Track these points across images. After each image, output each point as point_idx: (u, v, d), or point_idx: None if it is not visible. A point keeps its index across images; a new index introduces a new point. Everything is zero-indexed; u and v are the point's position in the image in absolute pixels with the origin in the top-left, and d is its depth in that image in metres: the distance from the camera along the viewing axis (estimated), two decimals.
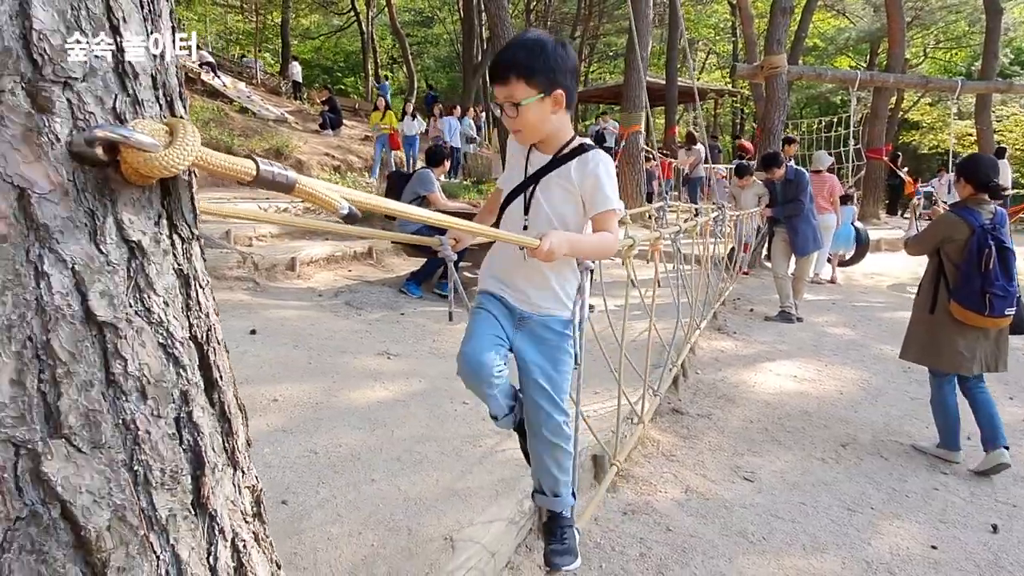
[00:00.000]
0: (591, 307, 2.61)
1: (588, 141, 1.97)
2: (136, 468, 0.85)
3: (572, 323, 2.01)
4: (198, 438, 0.94)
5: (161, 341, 0.89)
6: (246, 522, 1.02)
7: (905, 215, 17.92)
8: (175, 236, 0.94)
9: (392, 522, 2.54)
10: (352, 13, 30.15)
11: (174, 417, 0.90)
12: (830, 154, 10.53)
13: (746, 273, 9.25)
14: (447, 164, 7.48)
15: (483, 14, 19.23)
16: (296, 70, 22.98)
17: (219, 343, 1.00)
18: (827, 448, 3.97)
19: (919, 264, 10.43)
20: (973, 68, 26.85)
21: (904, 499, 3.42)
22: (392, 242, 7.49)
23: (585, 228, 1.96)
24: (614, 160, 15.78)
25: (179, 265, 0.94)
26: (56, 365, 0.79)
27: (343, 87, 31.92)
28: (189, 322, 0.94)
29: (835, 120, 15.30)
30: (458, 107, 18.28)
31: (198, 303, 0.97)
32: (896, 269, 10.74)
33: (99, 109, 0.82)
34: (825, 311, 7.72)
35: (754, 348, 6.06)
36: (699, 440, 3.97)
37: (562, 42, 1.85)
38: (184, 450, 0.92)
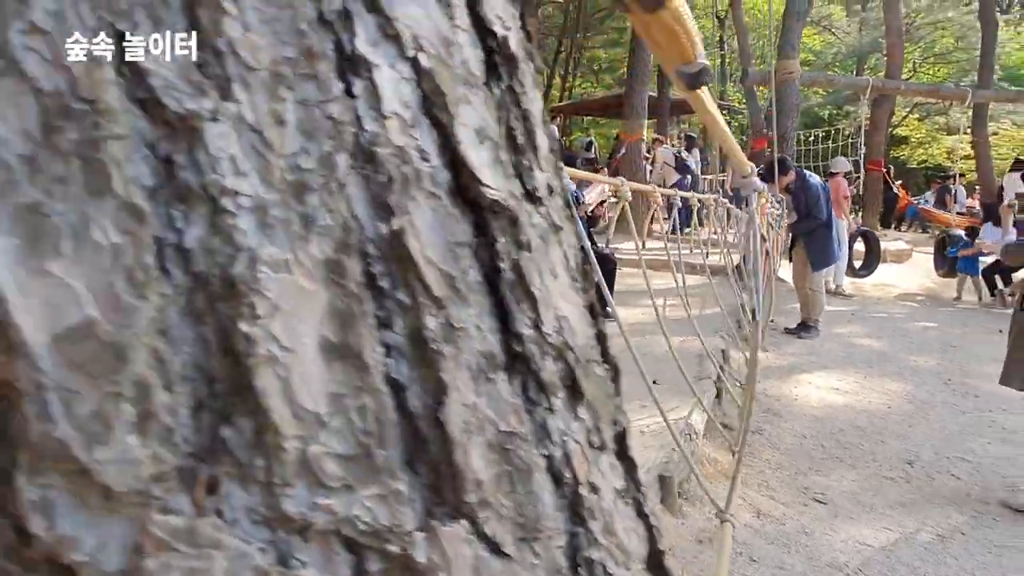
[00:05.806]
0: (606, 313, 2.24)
1: None
2: None
3: None
4: None
5: None
6: None
7: (900, 228, 17.94)
8: None
9: None
10: None
11: None
12: (817, 168, 10.28)
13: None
14: None
15: None
16: None
17: None
18: (893, 466, 3.68)
19: (925, 275, 10.37)
20: (960, 83, 27.10)
21: (994, 522, 3.13)
22: None
23: None
24: (609, 169, 15.52)
25: None
26: None
27: None
28: None
29: (824, 133, 15.05)
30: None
31: None
32: (902, 279, 10.53)
33: None
34: (847, 322, 7.48)
35: (785, 360, 5.78)
36: (756, 457, 3.66)
37: None
38: None
